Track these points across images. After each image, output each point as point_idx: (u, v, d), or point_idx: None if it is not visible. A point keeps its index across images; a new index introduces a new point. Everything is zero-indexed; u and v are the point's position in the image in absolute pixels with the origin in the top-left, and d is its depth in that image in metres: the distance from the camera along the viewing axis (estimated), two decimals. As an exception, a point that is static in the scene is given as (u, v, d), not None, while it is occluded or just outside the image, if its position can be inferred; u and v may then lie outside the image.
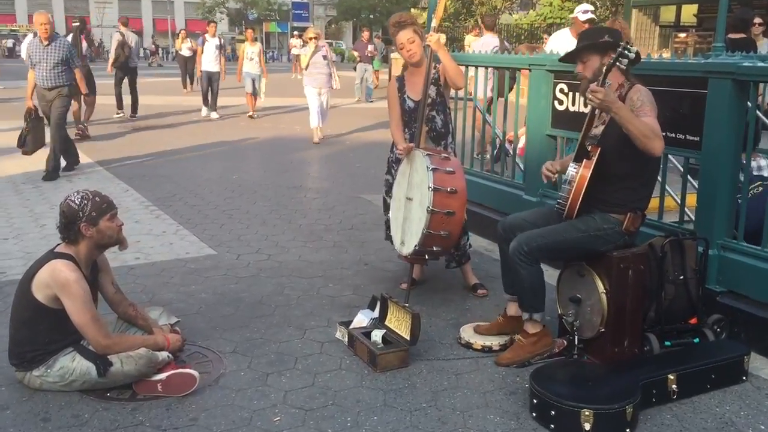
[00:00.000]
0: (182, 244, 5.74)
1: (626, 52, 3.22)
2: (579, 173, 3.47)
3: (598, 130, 3.64)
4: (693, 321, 3.81)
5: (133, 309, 3.64)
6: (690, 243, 3.75)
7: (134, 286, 4.77)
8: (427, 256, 4.29)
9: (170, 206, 6.99)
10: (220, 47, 14.98)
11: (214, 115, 14.77)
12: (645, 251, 3.61)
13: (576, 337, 3.66)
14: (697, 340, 3.73)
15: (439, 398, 3.33)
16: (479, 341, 3.87)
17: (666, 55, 7.56)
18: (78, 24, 12.52)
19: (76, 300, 3.22)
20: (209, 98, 14.89)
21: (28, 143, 8.32)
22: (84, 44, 12.48)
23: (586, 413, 2.96)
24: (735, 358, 3.49)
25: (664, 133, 4.30)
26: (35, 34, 11.75)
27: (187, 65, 20.20)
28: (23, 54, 11.78)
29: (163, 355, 3.40)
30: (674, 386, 3.27)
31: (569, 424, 2.98)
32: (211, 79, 14.76)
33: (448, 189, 4.08)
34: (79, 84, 8.73)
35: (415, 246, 4.15)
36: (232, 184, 8.18)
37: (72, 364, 3.27)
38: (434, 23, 4.49)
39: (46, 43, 8.27)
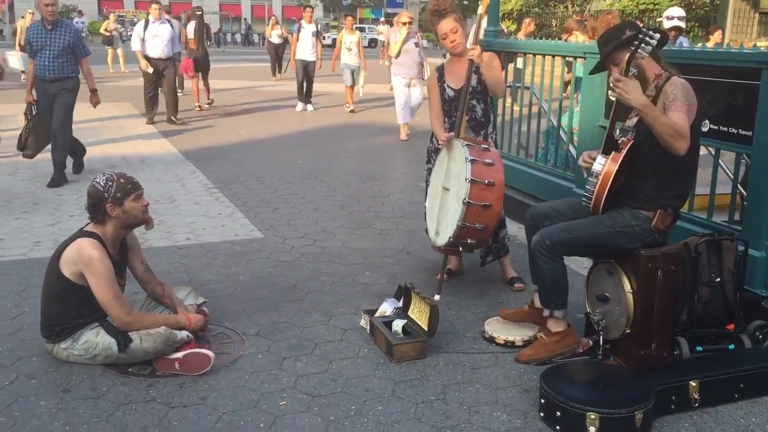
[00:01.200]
0: (233, 227, 5.86)
1: (647, 38, 3.06)
2: (605, 167, 3.33)
3: (632, 121, 3.49)
4: (731, 327, 3.60)
5: (161, 288, 3.75)
6: (729, 243, 3.53)
7: (178, 265, 4.91)
8: (461, 249, 4.24)
9: (230, 189, 7.16)
10: (317, 34, 13.81)
11: (309, 107, 13.82)
12: (677, 251, 3.43)
13: (601, 337, 3.53)
14: (732, 346, 3.53)
15: (449, 392, 3.28)
16: (502, 336, 3.79)
17: (758, 44, 7.11)
18: (200, 13, 13.82)
19: (100, 277, 3.34)
20: (304, 90, 13.89)
21: (29, 146, 7.25)
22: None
23: (592, 416, 2.85)
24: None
25: (715, 127, 4.13)
26: (147, 20, 11.50)
27: (277, 52, 20.09)
28: (133, 44, 11.60)
29: (183, 334, 3.48)
30: (696, 394, 3.11)
31: (574, 426, 2.88)
32: (307, 69, 13.61)
33: (486, 181, 4.00)
34: (86, 78, 7.42)
35: (450, 238, 4.10)
36: (295, 168, 8.29)
37: (96, 339, 3.40)
38: (481, 10, 4.39)
39: (50, 27, 7.03)
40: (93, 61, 7.82)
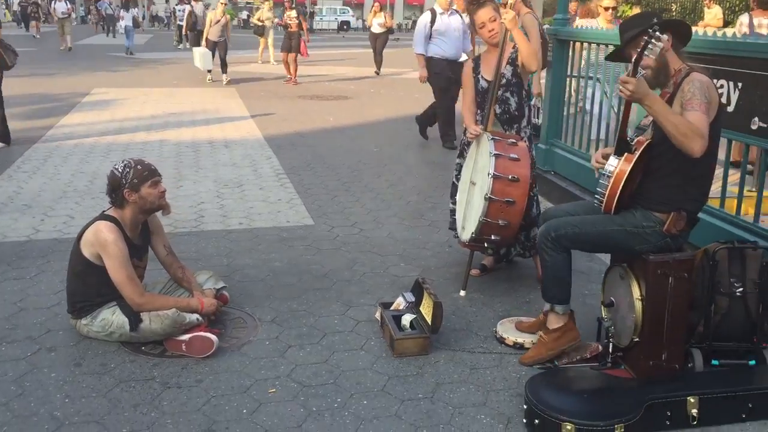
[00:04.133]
0: (288, 213, 5.98)
1: (653, 41, 2.85)
2: (617, 168, 3.15)
3: (648, 119, 3.29)
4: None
5: (182, 271, 3.90)
6: (752, 252, 3.27)
7: (222, 249, 5.08)
8: (486, 245, 4.15)
9: (299, 175, 7.30)
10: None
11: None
12: (690, 257, 3.22)
13: (611, 343, 3.38)
14: (753, 362, 3.28)
15: (439, 391, 3.24)
16: (512, 337, 3.69)
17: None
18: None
19: (114, 259, 3.52)
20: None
21: None
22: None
23: (568, 427, 2.75)
24: (782, 388, 3.03)
25: (765, 124, 3.84)
26: (432, 11, 8.56)
27: (377, 44, 18.32)
28: (417, 45, 8.62)
29: (193, 317, 3.60)
30: (694, 411, 2.92)
31: (551, 435, 2.78)
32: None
33: (510, 177, 3.91)
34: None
35: (472, 233, 4.04)
36: (369, 156, 8.35)
37: (112, 317, 3.58)
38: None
39: None
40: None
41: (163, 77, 16.81)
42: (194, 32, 18.31)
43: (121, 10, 25.53)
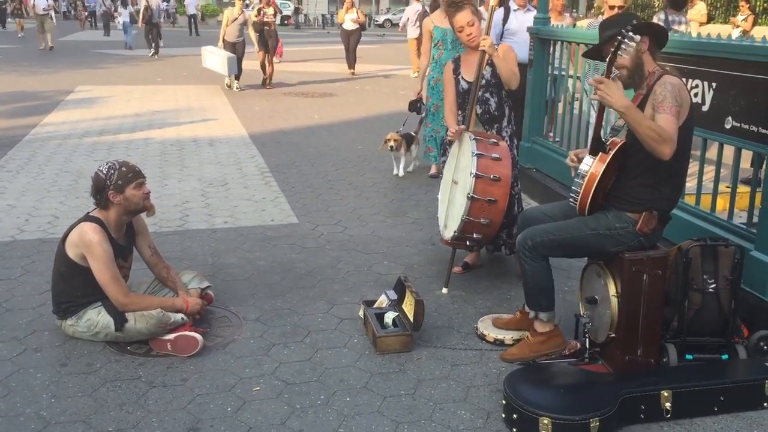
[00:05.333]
0: (272, 212, 6.02)
1: (626, 41, 2.91)
2: (591, 168, 3.22)
3: (622, 120, 3.36)
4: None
5: (167, 271, 3.94)
6: (724, 249, 3.36)
7: (207, 248, 5.11)
8: (468, 243, 4.22)
9: (283, 173, 7.34)
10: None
11: None
12: (664, 255, 3.30)
13: (587, 339, 3.45)
14: (726, 356, 3.37)
15: (421, 387, 3.30)
16: (492, 333, 3.76)
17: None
18: None
19: (98, 260, 3.55)
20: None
21: None
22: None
23: (545, 421, 2.81)
24: (752, 381, 3.12)
25: (738, 124, 3.92)
26: (507, 8, 7.37)
27: (350, 41, 17.14)
28: None
29: (177, 317, 3.65)
30: (668, 404, 3.00)
31: (529, 430, 2.85)
32: None
33: (492, 176, 3.98)
34: None
35: (455, 232, 4.11)
36: (353, 154, 8.40)
37: (97, 317, 3.62)
38: (493, 1, 4.33)
39: None
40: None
41: (147, 74, 16.76)
42: (149, 26, 20.66)
43: (119, 7, 25.28)
